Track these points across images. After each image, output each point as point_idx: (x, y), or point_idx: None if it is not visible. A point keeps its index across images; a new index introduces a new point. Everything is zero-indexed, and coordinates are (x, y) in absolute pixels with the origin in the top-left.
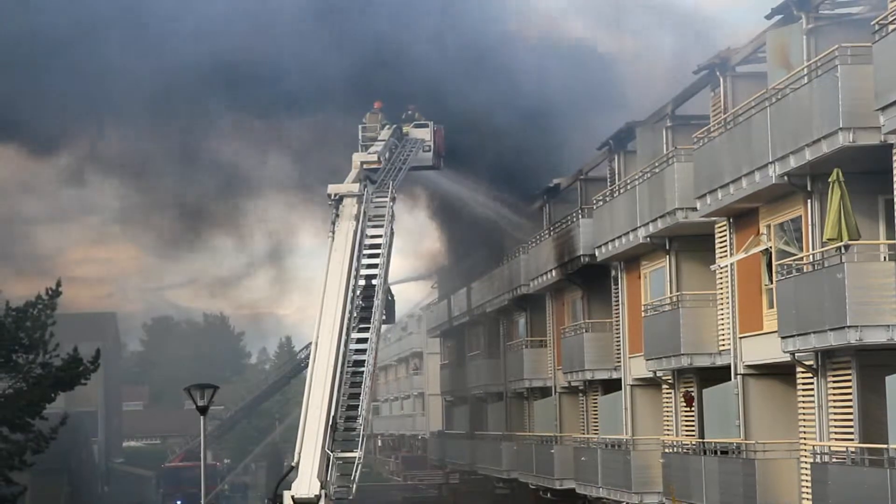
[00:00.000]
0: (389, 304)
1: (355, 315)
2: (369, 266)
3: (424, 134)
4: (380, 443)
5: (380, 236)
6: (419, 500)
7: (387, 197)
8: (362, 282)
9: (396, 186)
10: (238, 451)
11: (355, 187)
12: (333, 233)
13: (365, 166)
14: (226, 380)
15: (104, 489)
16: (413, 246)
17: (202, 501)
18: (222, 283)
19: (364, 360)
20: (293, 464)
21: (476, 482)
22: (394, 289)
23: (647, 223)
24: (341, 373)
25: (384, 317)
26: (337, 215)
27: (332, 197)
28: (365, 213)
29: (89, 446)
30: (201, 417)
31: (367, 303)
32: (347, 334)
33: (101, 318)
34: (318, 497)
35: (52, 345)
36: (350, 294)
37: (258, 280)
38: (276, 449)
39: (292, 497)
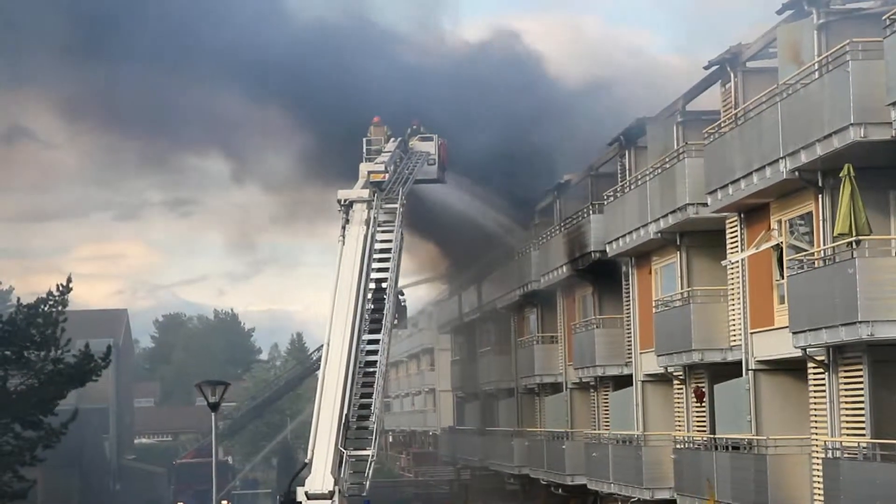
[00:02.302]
0: (401, 309)
1: (367, 317)
2: (380, 269)
3: (429, 147)
4: (391, 439)
5: (390, 241)
6: (430, 496)
7: (396, 203)
8: (373, 285)
9: (405, 193)
10: (249, 447)
11: (365, 193)
12: (344, 237)
13: (372, 177)
14: (237, 376)
15: (115, 486)
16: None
17: (214, 498)
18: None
19: (376, 361)
20: (306, 461)
21: (487, 478)
22: (406, 290)
23: (658, 219)
24: (353, 372)
25: (396, 320)
26: (347, 220)
27: (342, 202)
28: (375, 218)
29: (101, 443)
30: (212, 414)
31: (378, 304)
32: (359, 335)
33: (112, 314)
34: (331, 493)
35: (63, 341)
36: (361, 296)
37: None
38: (288, 446)
39: (306, 493)
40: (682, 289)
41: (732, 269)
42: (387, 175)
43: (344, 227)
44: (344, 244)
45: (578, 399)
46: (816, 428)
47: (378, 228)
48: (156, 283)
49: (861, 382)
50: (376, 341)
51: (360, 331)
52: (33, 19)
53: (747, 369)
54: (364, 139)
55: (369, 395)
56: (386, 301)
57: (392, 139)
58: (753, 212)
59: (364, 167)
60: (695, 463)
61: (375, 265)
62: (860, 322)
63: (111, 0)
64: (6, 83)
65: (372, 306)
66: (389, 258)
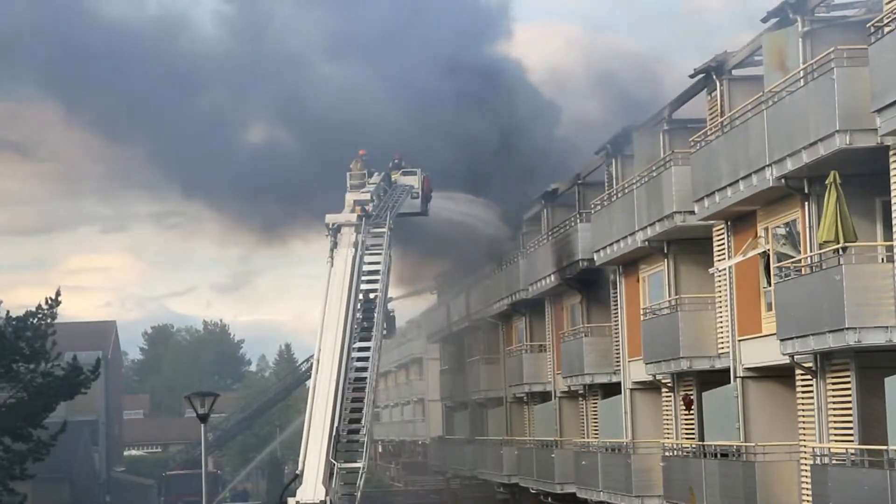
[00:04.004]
0: (390, 319)
1: (356, 334)
2: (369, 290)
3: (413, 181)
4: (380, 449)
5: (378, 262)
6: None
7: (384, 227)
8: (363, 300)
9: (393, 218)
10: (239, 458)
11: (353, 217)
12: (332, 259)
13: (358, 206)
14: (226, 387)
15: (105, 498)
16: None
17: None
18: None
19: (365, 377)
20: (297, 471)
21: (477, 487)
22: (396, 303)
23: (646, 227)
24: (343, 388)
25: (384, 330)
26: (335, 243)
27: (330, 227)
28: (362, 241)
29: (90, 455)
30: (202, 425)
31: (368, 323)
32: (349, 352)
33: (100, 326)
34: (322, 502)
35: (52, 354)
36: (350, 315)
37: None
38: (277, 457)
39: (297, 503)
40: (669, 297)
41: (720, 276)
42: (370, 206)
43: (332, 250)
44: (332, 266)
45: (567, 407)
46: (804, 434)
47: (366, 251)
48: (144, 295)
49: (849, 389)
50: (366, 358)
51: (349, 348)
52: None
53: (735, 376)
54: (347, 173)
55: (359, 410)
56: (375, 319)
57: (376, 174)
58: (740, 219)
59: (350, 196)
60: (683, 470)
61: (364, 286)
62: (847, 329)
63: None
64: None
65: (364, 323)
66: (378, 279)
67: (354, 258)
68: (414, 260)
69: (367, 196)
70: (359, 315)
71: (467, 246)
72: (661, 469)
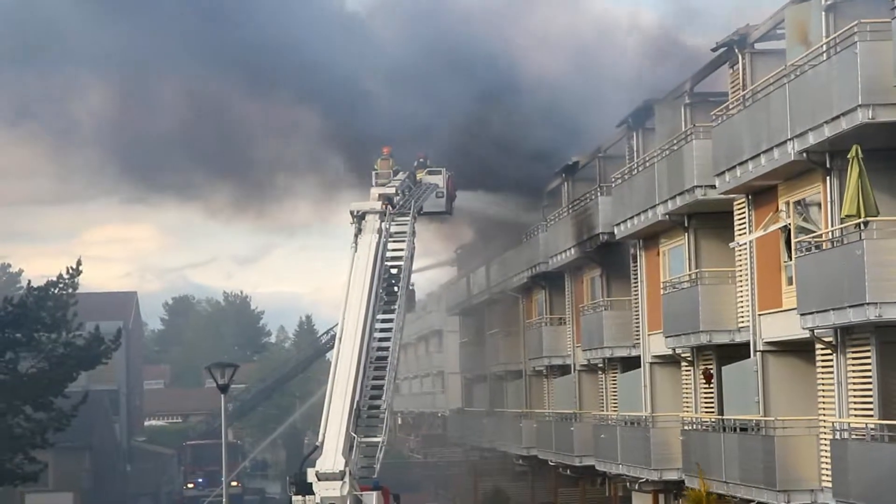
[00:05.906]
0: (410, 294)
1: (379, 316)
2: (393, 265)
3: (437, 180)
4: (399, 421)
5: (402, 250)
6: (439, 477)
7: (408, 216)
8: (385, 285)
9: (417, 208)
10: (259, 429)
11: (377, 205)
12: (356, 245)
13: (384, 200)
14: (247, 358)
15: (126, 468)
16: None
17: (223, 479)
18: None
19: (387, 357)
20: (318, 443)
21: (496, 459)
22: (416, 276)
23: (666, 200)
24: (364, 364)
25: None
26: (360, 229)
27: (355, 214)
28: (387, 229)
29: (111, 425)
30: (222, 396)
31: (390, 304)
32: (370, 331)
33: (121, 297)
34: (342, 473)
35: (73, 324)
36: (374, 298)
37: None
38: (297, 429)
39: (316, 473)
40: (690, 270)
41: (740, 250)
42: (395, 199)
43: (356, 236)
44: (356, 250)
45: (586, 381)
46: (824, 409)
47: (390, 240)
48: (165, 265)
49: (869, 364)
50: (388, 338)
51: (371, 328)
52: None
53: (755, 350)
54: (373, 172)
55: (380, 387)
56: (398, 302)
57: (400, 172)
58: (761, 193)
59: (375, 191)
60: (703, 444)
61: (388, 263)
62: (868, 304)
63: None
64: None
65: (385, 307)
66: (402, 257)
67: (378, 244)
68: (437, 236)
69: (393, 190)
70: (383, 296)
71: (493, 231)
72: (680, 443)
